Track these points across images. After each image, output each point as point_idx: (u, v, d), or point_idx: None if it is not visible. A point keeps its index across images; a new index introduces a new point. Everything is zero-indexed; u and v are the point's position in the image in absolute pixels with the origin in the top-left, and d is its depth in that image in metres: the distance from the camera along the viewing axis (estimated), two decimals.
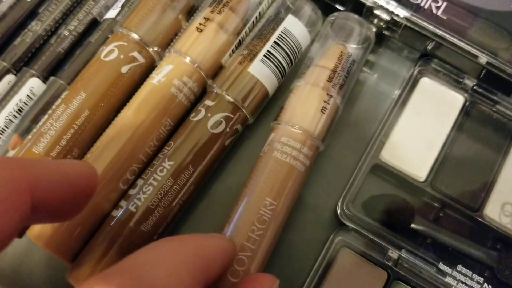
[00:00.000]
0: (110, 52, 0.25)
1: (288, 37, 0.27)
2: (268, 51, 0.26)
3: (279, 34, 0.27)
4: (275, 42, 0.26)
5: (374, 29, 0.28)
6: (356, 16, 0.28)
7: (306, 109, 0.25)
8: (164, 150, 0.24)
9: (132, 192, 0.23)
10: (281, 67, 0.27)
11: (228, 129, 0.25)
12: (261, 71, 0.26)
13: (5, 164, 0.14)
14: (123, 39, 0.26)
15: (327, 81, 0.25)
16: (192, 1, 0.28)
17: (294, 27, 0.27)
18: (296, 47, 0.27)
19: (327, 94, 0.25)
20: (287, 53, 0.27)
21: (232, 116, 0.25)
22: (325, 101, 0.25)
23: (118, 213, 0.23)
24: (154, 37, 0.26)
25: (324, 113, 0.25)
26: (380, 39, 0.29)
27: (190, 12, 0.28)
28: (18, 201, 0.14)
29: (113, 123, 0.24)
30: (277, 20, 0.27)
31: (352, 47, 0.27)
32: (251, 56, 0.26)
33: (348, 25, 0.28)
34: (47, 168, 0.16)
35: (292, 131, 0.24)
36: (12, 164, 0.15)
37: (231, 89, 0.25)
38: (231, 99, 0.25)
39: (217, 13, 0.26)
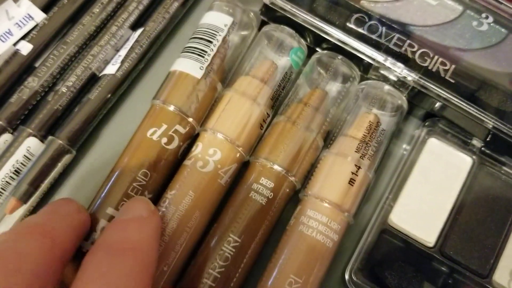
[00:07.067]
0: (170, 140, 0.27)
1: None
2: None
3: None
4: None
5: (405, 98, 0.30)
6: (386, 85, 0.30)
7: (335, 181, 0.27)
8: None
9: None
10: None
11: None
12: None
13: None
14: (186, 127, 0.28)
15: (355, 152, 0.28)
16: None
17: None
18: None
19: (355, 165, 0.27)
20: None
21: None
22: (353, 173, 0.27)
23: None
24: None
25: (352, 185, 0.27)
26: None
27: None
28: None
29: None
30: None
31: (383, 115, 0.30)
32: None
33: (378, 94, 0.30)
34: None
35: (320, 205, 0.27)
36: None
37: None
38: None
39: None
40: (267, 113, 0.29)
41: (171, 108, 0.27)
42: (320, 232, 0.26)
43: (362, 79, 0.31)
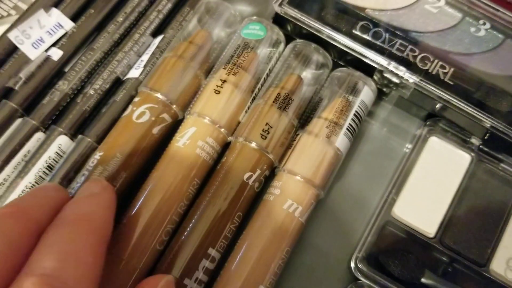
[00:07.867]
0: (141, 114, 0.30)
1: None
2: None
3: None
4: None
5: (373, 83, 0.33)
6: (357, 72, 0.33)
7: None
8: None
9: None
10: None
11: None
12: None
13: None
14: (153, 101, 0.30)
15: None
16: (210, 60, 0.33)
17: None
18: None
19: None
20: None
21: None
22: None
23: None
24: (179, 97, 0.31)
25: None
26: (390, 97, 0.35)
27: (209, 71, 0.33)
28: None
29: (143, 186, 0.29)
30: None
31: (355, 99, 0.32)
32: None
33: (349, 79, 0.33)
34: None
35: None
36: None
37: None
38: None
39: (232, 74, 0.31)
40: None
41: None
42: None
43: (336, 65, 0.34)
